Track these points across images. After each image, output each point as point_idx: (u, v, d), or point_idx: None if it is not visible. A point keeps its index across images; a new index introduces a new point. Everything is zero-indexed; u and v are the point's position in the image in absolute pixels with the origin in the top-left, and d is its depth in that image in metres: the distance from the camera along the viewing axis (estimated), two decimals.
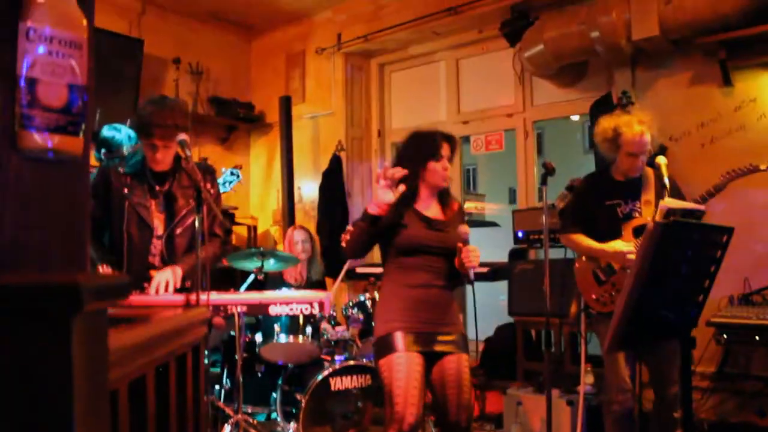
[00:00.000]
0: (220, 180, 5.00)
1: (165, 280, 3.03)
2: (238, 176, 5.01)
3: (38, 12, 1.16)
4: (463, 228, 2.92)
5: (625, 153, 3.57)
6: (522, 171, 6.01)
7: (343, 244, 2.95)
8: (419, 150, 2.99)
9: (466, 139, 6.47)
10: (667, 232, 1.87)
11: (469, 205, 14.07)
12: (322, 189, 6.61)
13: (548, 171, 3.33)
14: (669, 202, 3.20)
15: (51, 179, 1.19)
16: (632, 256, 3.43)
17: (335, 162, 6.61)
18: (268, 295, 3.01)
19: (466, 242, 2.88)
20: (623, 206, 3.61)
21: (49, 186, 1.19)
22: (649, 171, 3.65)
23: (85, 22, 1.25)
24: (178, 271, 3.12)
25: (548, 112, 6.00)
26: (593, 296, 3.64)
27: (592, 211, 3.71)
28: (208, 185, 3.05)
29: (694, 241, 2.06)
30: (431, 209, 3.04)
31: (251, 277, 4.73)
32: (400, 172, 2.88)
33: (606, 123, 3.67)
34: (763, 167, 3.50)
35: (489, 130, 6.27)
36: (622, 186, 3.64)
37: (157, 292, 3.00)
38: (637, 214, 3.58)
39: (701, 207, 3.24)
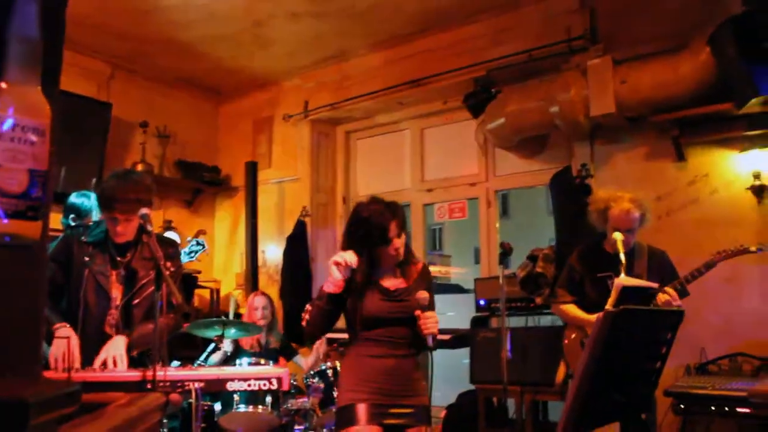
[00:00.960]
0: (185, 250, 4.99)
1: (112, 356, 2.99)
2: (203, 246, 5.02)
3: (1, 99, 1.18)
4: (421, 294, 2.88)
5: (611, 227, 3.66)
6: (485, 239, 6.04)
7: (303, 324, 2.93)
8: (368, 237, 2.91)
9: (431, 206, 6.53)
10: (617, 320, 1.91)
11: (434, 269, 14.09)
12: (287, 253, 6.59)
13: (506, 251, 3.39)
14: (623, 279, 3.27)
15: (7, 264, 1.19)
16: None
17: (300, 227, 6.60)
18: (226, 371, 2.96)
19: (424, 308, 2.86)
20: (613, 278, 3.64)
21: (5, 271, 1.19)
22: (643, 246, 3.73)
23: (48, 108, 1.25)
24: (122, 341, 3.07)
25: (510, 182, 6.05)
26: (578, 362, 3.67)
27: (583, 282, 3.78)
28: (169, 263, 3.03)
29: (644, 326, 2.10)
30: (391, 278, 3.01)
31: (212, 346, 4.68)
32: (353, 259, 2.87)
33: (600, 194, 3.79)
34: (753, 249, 3.62)
35: (452, 198, 6.32)
36: (613, 259, 3.66)
37: (103, 367, 2.97)
38: None
39: (654, 285, 3.31)
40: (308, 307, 2.95)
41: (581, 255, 3.88)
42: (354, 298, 2.93)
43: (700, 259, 3.75)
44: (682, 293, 3.57)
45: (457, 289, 12.22)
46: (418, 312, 2.85)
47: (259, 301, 5.39)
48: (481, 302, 5.31)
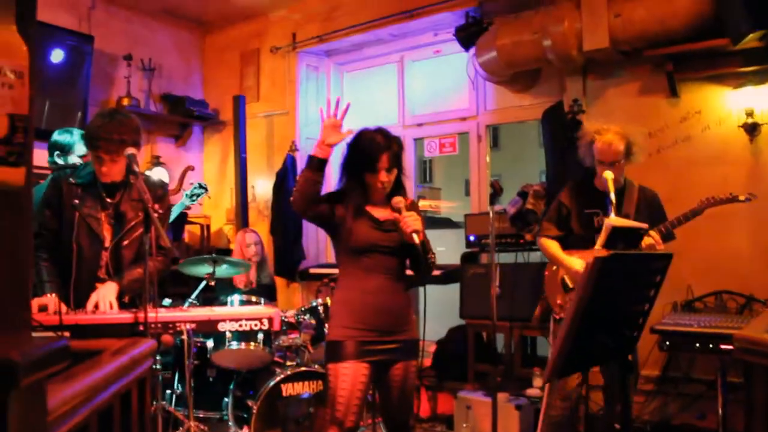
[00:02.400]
0: (187, 192, 4.99)
1: (103, 300, 3.00)
2: (205, 189, 5.01)
3: None
4: (395, 198, 2.94)
5: (596, 160, 3.65)
6: (475, 174, 6.06)
7: (292, 198, 2.94)
8: (358, 161, 2.95)
9: (421, 141, 6.50)
10: (606, 266, 1.93)
11: (424, 203, 14.12)
12: (276, 188, 6.59)
13: (496, 191, 3.37)
14: (613, 220, 3.28)
15: None
16: None
17: (289, 162, 6.58)
18: (217, 311, 3.00)
19: (399, 211, 2.91)
20: (601, 216, 3.66)
21: None
22: (634, 185, 3.72)
23: (25, 49, 1.21)
24: (112, 287, 3.08)
25: (501, 117, 6.05)
26: (558, 301, 3.73)
27: (570, 217, 3.79)
28: (157, 205, 3.02)
29: (634, 270, 2.11)
30: (381, 210, 3.03)
31: (203, 284, 4.72)
32: (345, 108, 2.96)
33: (587, 127, 3.77)
34: (741, 198, 3.61)
35: (443, 133, 6.32)
36: (603, 196, 3.66)
37: (96, 309, 2.98)
38: None
39: (644, 225, 3.32)
40: (299, 177, 2.97)
41: (570, 190, 3.88)
42: (345, 225, 2.95)
43: (690, 198, 3.75)
44: (668, 237, 3.58)
45: (447, 223, 12.19)
46: (396, 215, 2.90)
47: (249, 237, 5.45)
48: (471, 238, 5.33)
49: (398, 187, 3.06)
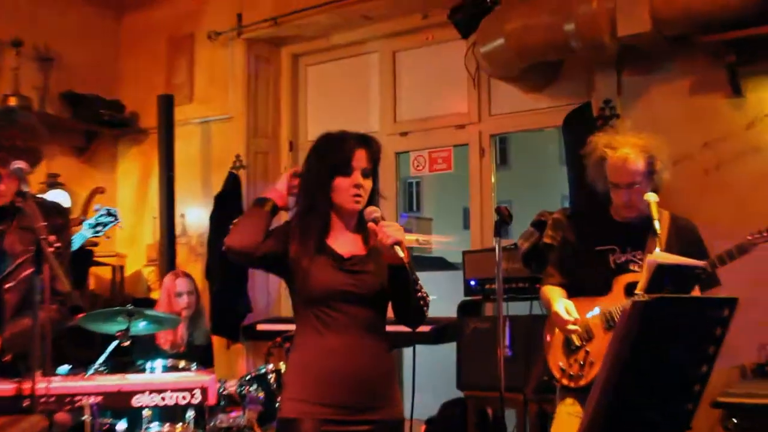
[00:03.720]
0: (90, 221, 4.95)
1: None
2: (115, 217, 4.96)
3: None
4: (369, 208, 2.97)
5: (610, 183, 3.66)
6: (476, 200, 6.05)
7: (227, 242, 2.98)
8: (323, 161, 3.01)
9: (406, 155, 6.51)
10: (650, 312, 1.91)
11: (410, 238, 14.11)
12: (215, 218, 6.57)
13: (503, 218, 3.39)
14: (658, 256, 3.28)
15: None
16: (571, 328, 3.55)
17: (232, 182, 6.58)
18: (132, 380, 2.91)
19: (375, 221, 2.91)
20: (618, 254, 3.67)
21: None
22: (665, 214, 3.71)
23: None
24: None
25: (510, 124, 6.06)
26: (559, 364, 3.70)
27: (578, 256, 3.79)
28: (53, 237, 2.97)
29: (686, 319, 2.12)
30: (346, 242, 3.06)
31: (114, 344, 4.66)
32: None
33: (596, 141, 3.77)
34: None
35: (434, 144, 6.33)
36: (620, 228, 3.70)
37: None
38: (636, 267, 3.63)
39: (700, 263, 3.33)
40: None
41: (578, 221, 3.93)
42: (299, 267, 2.96)
43: (759, 227, 3.68)
44: (708, 282, 3.57)
45: (440, 264, 12.25)
46: (371, 225, 2.91)
47: (181, 284, 5.43)
48: (472, 282, 5.35)
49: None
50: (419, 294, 2.96)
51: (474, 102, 6.10)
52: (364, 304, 2.98)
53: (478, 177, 6.08)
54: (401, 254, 2.79)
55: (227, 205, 6.53)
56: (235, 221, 3.03)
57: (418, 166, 6.46)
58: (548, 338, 3.84)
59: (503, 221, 3.46)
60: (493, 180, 6.06)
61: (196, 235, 6.89)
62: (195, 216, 6.94)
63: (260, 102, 6.86)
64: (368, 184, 3.01)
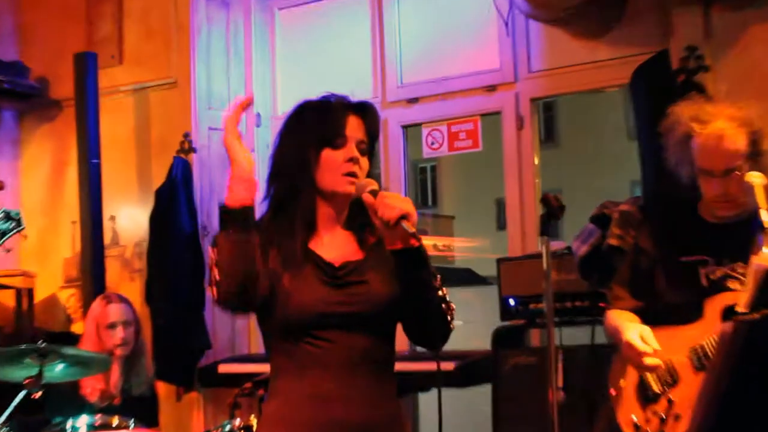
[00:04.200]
0: None
1: None
2: (18, 222, 4.93)
3: None
4: (363, 180, 2.92)
5: (698, 169, 3.64)
6: (514, 188, 6.11)
7: (216, 291, 2.81)
8: (304, 130, 2.97)
9: (416, 131, 6.46)
10: (759, 334, 1.86)
11: (426, 242, 14.16)
12: (156, 220, 6.62)
13: (552, 211, 3.35)
14: None
15: None
16: (651, 362, 3.49)
17: (180, 170, 6.61)
18: None
19: (374, 193, 2.85)
20: (711, 267, 3.65)
21: None
22: None
23: None
24: None
25: (558, 84, 6.11)
26: (632, 417, 3.67)
27: (657, 270, 3.78)
28: None
29: None
30: (336, 243, 3.02)
31: (21, 395, 4.66)
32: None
33: (678, 113, 3.72)
34: None
35: (455, 115, 6.36)
36: (714, 232, 3.69)
37: None
38: (736, 285, 3.57)
39: None
40: (211, 248, 2.84)
41: (655, 220, 4.04)
42: (278, 285, 2.90)
43: None
44: None
45: (466, 277, 12.39)
46: (367, 197, 2.85)
47: (114, 311, 5.39)
48: (511, 302, 5.39)
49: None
50: (440, 294, 2.91)
51: (508, 54, 6.12)
52: (363, 329, 2.93)
53: (516, 157, 6.11)
54: (407, 228, 2.73)
55: (173, 202, 6.57)
56: (211, 252, 2.84)
57: (433, 144, 6.48)
58: (618, 381, 3.80)
59: (552, 215, 3.41)
60: (536, 161, 6.11)
61: (132, 244, 6.95)
62: (129, 218, 7.01)
63: (215, 61, 6.95)
64: (365, 162, 2.97)
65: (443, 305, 2.92)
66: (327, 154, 2.91)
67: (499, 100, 6.19)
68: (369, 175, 2.99)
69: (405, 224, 2.71)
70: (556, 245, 5.17)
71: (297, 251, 2.91)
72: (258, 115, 7.00)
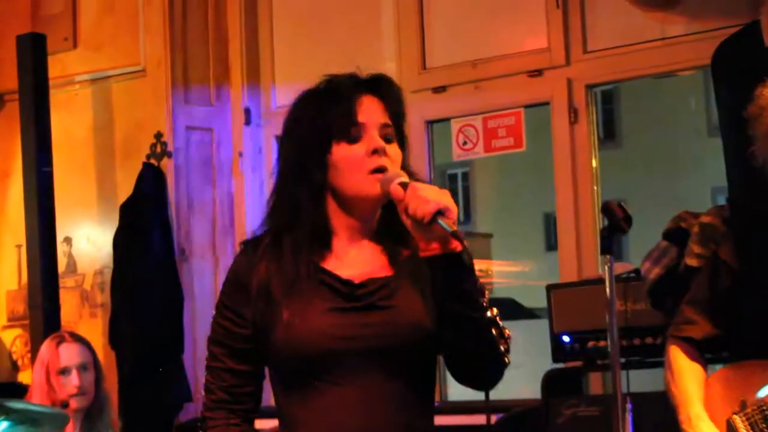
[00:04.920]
0: None
1: None
2: None
3: None
4: (388, 174, 2.84)
5: None
6: (567, 197, 6.16)
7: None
8: (306, 127, 2.95)
9: (444, 125, 6.48)
10: None
11: None
12: (122, 242, 6.68)
13: (615, 222, 3.35)
14: None
15: None
16: None
17: (150, 180, 6.70)
18: None
19: (404, 185, 2.77)
20: None
21: None
22: None
23: None
24: None
25: (620, 67, 6.15)
26: None
27: (743, 291, 3.77)
28: None
29: None
30: (359, 260, 2.98)
31: None
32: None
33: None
34: None
35: (492, 106, 6.42)
36: None
37: None
38: None
39: None
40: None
41: (739, 232, 4.03)
42: (278, 316, 2.87)
43: None
44: None
45: (509, 309, 12.09)
46: (395, 189, 2.79)
47: (66, 354, 5.40)
48: (566, 339, 5.42)
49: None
50: (489, 315, 2.83)
51: (558, 31, 6.19)
52: (389, 367, 2.87)
53: (569, 159, 6.15)
54: (446, 227, 2.66)
55: (143, 219, 6.67)
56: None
57: (465, 143, 6.52)
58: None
59: (616, 227, 3.37)
60: (594, 163, 6.15)
61: (92, 272, 7.00)
62: (89, 241, 7.07)
63: (193, 45, 7.00)
64: (394, 151, 2.93)
65: (494, 330, 2.82)
66: (341, 150, 2.87)
67: (547, 88, 6.27)
68: (403, 165, 2.95)
69: (443, 221, 2.64)
70: (622, 267, 5.20)
71: (300, 269, 2.87)
72: (247, 110, 7.08)
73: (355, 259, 2.95)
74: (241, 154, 7.00)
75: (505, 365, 2.88)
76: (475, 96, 6.47)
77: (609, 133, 17.75)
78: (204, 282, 6.83)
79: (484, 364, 2.88)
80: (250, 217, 6.87)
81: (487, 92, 6.42)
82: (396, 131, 2.96)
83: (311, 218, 2.91)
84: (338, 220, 2.95)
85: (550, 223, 16.38)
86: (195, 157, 6.89)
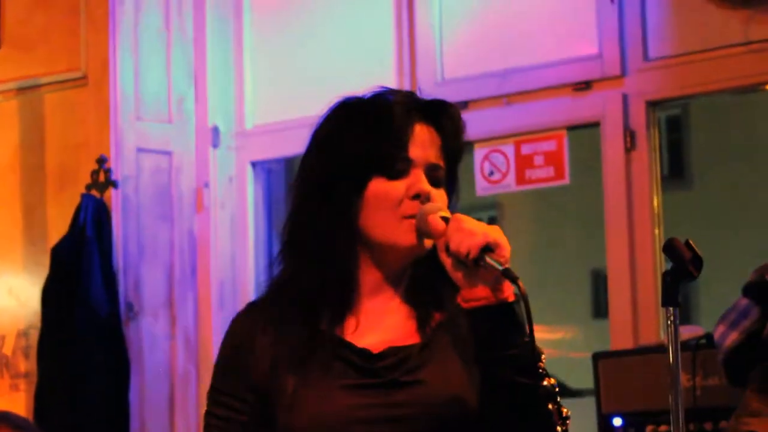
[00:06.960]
0: None
1: None
2: None
3: None
4: (426, 206, 2.79)
5: None
6: (621, 244, 6.15)
7: None
8: (342, 148, 2.87)
9: (466, 152, 6.24)
10: None
11: None
12: (53, 295, 6.64)
13: (681, 264, 2.98)
14: None
15: None
16: None
17: (90, 215, 6.71)
18: None
19: (446, 219, 2.72)
20: None
21: None
22: None
23: None
24: None
25: (690, 78, 6.06)
26: None
27: None
28: None
29: None
30: (382, 324, 2.93)
31: None
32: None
33: None
34: None
35: (527, 128, 6.47)
36: None
37: None
38: None
39: None
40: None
41: None
42: (283, 395, 2.85)
43: None
44: None
45: (555, 390, 12.75)
46: (434, 220, 2.75)
47: None
48: (616, 421, 5.52)
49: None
50: (546, 384, 2.71)
51: (612, 33, 6.20)
52: None
53: (623, 195, 6.17)
54: (495, 265, 2.60)
55: (81, 265, 6.63)
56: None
57: (492, 174, 6.65)
58: None
59: (682, 270, 2.93)
60: (655, 201, 6.18)
61: (14, 333, 7.07)
62: (11, 293, 7.17)
63: (147, 47, 6.97)
64: (440, 197, 2.84)
65: (550, 404, 2.70)
66: (379, 185, 2.84)
67: (597, 105, 6.29)
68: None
69: (492, 259, 2.60)
70: (690, 332, 5.21)
71: (305, 337, 2.90)
72: (215, 129, 6.99)
73: (376, 322, 2.98)
74: (206, 185, 7.02)
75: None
76: (505, 114, 6.50)
77: (676, 168, 18.01)
78: (156, 347, 6.80)
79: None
80: (217, 264, 6.94)
81: (520, 110, 6.49)
82: (448, 175, 2.91)
83: (339, 267, 2.91)
84: (363, 272, 2.97)
85: (599, 283, 16.52)
86: (148, 188, 6.88)
